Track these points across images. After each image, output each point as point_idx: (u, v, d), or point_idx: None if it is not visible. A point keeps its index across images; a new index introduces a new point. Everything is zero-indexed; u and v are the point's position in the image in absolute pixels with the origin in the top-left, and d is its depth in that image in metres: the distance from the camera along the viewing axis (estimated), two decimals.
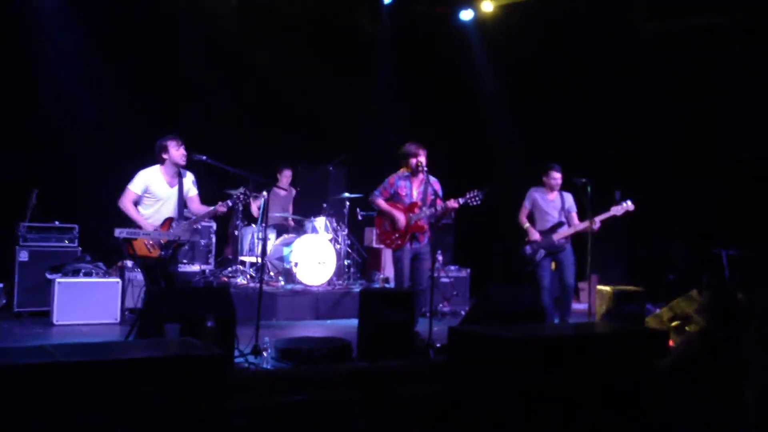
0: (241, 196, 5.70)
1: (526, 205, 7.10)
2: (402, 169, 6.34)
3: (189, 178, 5.80)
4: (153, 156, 5.71)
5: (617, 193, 9.55)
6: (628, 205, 6.99)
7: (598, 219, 6.98)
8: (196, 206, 5.80)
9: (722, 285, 8.10)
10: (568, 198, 7.19)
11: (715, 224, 8.64)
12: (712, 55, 8.64)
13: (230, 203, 5.67)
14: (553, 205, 7.08)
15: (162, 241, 5.47)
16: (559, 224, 7.01)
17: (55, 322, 6.48)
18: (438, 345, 5.48)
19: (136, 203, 5.58)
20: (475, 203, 6.08)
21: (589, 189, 6.83)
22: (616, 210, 6.94)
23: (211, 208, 5.67)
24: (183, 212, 5.70)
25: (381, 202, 6.32)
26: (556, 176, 7.05)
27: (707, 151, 8.95)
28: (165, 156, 5.58)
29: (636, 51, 9.17)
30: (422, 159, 6.18)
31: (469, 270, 8.83)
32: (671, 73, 9.02)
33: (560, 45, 9.47)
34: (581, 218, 7.04)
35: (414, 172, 6.25)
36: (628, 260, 9.63)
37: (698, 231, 8.81)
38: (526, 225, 7.00)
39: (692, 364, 3.91)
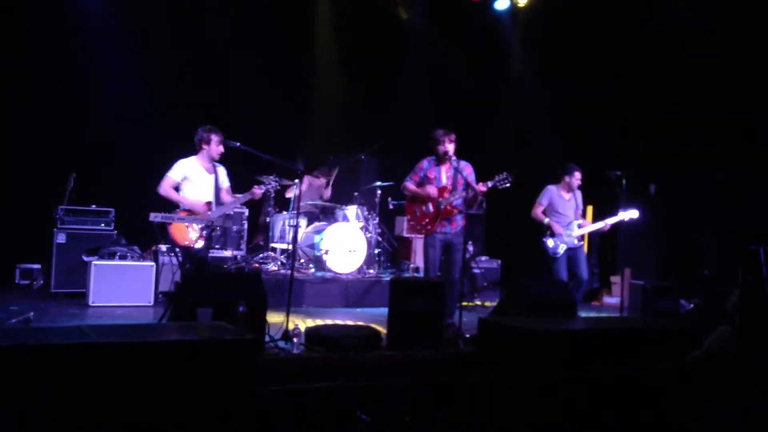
0: (273, 183, 5.79)
1: (543, 202, 7.05)
2: (433, 155, 6.31)
3: (222, 171, 6.00)
4: (188, 142, 5.80)
5: (652, 187, 9.45)
6: (633, 213, 6.91)
7: (609, 222, 6.95)
8: (228, 197, 5.98)
9: (754, 283, 7.95)
10: (579, 196, 7.18)
11: (753, 219, 8.46)
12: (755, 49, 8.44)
13: (263, 188, 5.78)
14: (569, 205, 7.06)
15: (196, 226, 5.56)
16: (577, 224, 7.00)
17: (90, 303, 6.60)
18: (468, 336, 5.47)
19: (176, 189, 5.72)
20: (504, 186, 5.96)
21: (624, 182, 6.76)
22: (623, 216, 6.87)
23: (246, 193, 5.80)
24: (219, 199, 5.86)
25: (410, 186, 6.31)
26: (579, 176, 7.05)
27: (747, 143, 8.75)
28: (205, 147, 5.77)
29: (675, 44, 9.00)
30: (449, 148, 6.13)
31: (499, 261, 8.79)
32: (709, 66, 8.83)
33: (596, 34, 9.35)
34: (602, 214, 7.05)
35: (441, 159, 6.23)
36: (662, 255, 9.49)
37: (735, 226, 8.64)
38: (547, 220, 6.95)
39: (724, 360, 3.86)
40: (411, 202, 6.40)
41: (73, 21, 8.05)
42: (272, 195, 8.44)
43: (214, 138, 5.76)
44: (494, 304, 7.77)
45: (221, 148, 5.79)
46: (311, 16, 9.76)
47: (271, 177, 5.89)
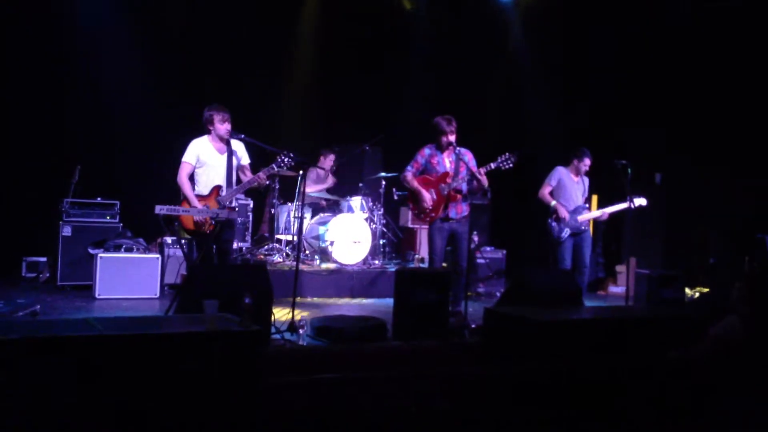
0: (287, 160, 5.66)
1: (551, 183, 7.03)
2: (434, 141, 6.30)
3: (240, 146, 5.85)
4: (193, 132, 5.78)
5: (658, 176, 9.43)
6: (642, 200, 6.88)
7: (607, 211, 6.94)
8: (248, 176, 5.83)
9: (762, 271, 7.92)
10: (587, 182, 7.18)
11: (759, 208, 8.44)
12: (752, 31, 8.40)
13: (275, 167, 5.66)
14: (577, 188, 7.05)
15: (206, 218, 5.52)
16: (582, 207, 7.00)
17: (96, 296, 6.63)
18: (473, 326, 5.48)
19: (192, 175, 5.69)
20: (507, 167, 5.98)
21: (629, 171, 6.74)
22: (631, 203, 6.84)
23: (253, 177, 5.69)
24: (232, 180, 5.75)
25: (411, 179, 6.28)
26: (588, 162, 7.04)
27: (751, 131, 8.73)
28: (210, 128, 5.69)
29: (678, 28, 8.95)
30: (452, 138, 6.14)
31: (504, 251, 8.78)
32: (712, 52, 8.78)
33: (600, 26, 9.31)
34: (607, 203, 7.12)
35: (443, 148, 6.23)
36: (668, 244, 9.48)
37: (741, 215, 8.62)
38: (554, 203, 6.93)
39: (732, 351, 3.84)
40: (412, 191, 6.39)
41: (74, 14, 8.03)
42: (277, 186, 8.43)
43: (217, 116, 5.65)
44: (499, 294, 7.78)
45: (228, 125, 5.66)
46: (313, 7, 9.73)
47: (283, 154, 5.67)
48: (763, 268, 7.77)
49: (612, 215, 7.08)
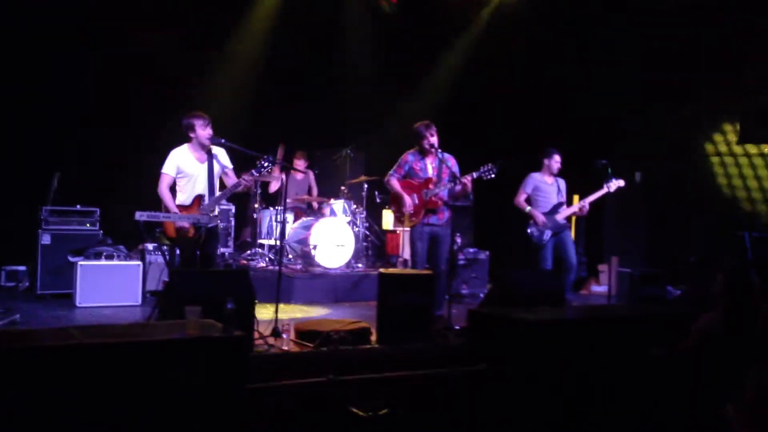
0: (267, 164, 5.58)
1: (526, 190, 7.10)
2: (416, 147, 6.32)
3: (222, 153, 5.79)
4: (174, 140, 5.74)
5: (638, 175, 9.50)
6: (619, 181, 6.93)
7: (587, 201, 6.98)
8: (233, 180, 5.78)
9: (738, 266, 8.00)
10: (562, 183, 7.22)
11: (738, 205, 8.53)
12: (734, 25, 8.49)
13: (255, 173, 5.60)
14: (552, 189, 7.12)
15: (186, 224, 5.47)
16: (560, 205, 7.04)
17: (77, 304, 6.56)
18: (457, 327, 5.48)
19: (173, 185, 5.63)
20: (489, 177, 6.01)
21: (609, 171, 6.78)
22: (608, 187, 6.88)
23: (237, 180, 5.64)
24: (215, 188, 5.69)
25: (394, 183, 6.31)
26: (558, 159, 7.10)
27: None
28: (192, 135, 5.62)
29: (659, 24, 9.03)
30: (434, 140, 6.16)
31: (488, 252, 8.80)
32: (688, 49, 8.87)
33: (577, 20, 9.38)
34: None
35: (426, 152, 6.24)
36: (649, 242, 9.55)
37: (721, 212, 8.70)
38: (528, 209, 6.99)
39: (712, 346, 3.87)
40: (395, 195, 6.41)
41: (49, 19, 7.95)
42: (259, 191, 8.39)
43: (197, 122, 5.58)
44: (483, 295, 7.80)
45: (209, 131, 5.59)
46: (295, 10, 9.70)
47: (263, 157, 5.55)
48: (742, 264, 7.86)
49: (593, 204, 7.07)
